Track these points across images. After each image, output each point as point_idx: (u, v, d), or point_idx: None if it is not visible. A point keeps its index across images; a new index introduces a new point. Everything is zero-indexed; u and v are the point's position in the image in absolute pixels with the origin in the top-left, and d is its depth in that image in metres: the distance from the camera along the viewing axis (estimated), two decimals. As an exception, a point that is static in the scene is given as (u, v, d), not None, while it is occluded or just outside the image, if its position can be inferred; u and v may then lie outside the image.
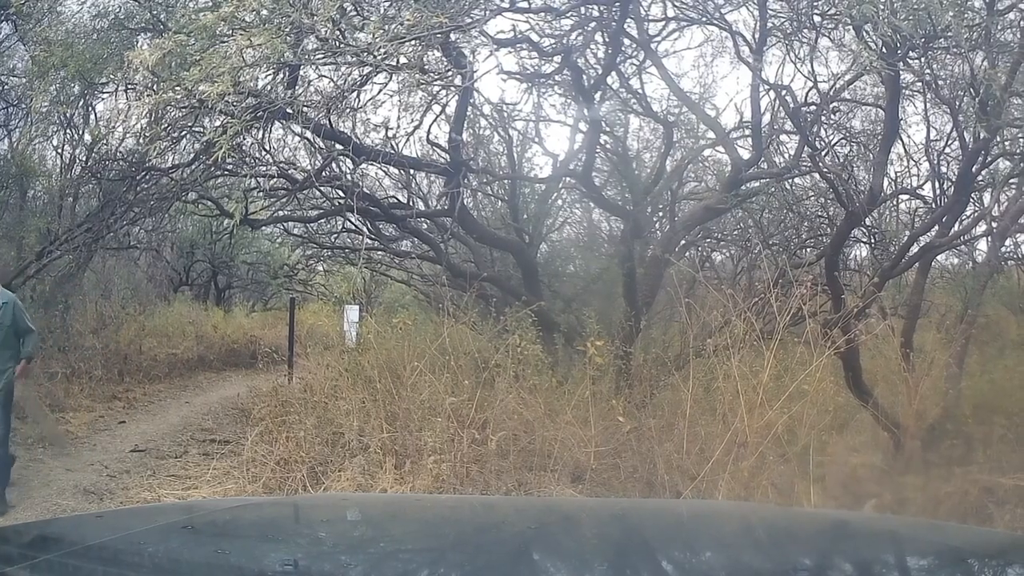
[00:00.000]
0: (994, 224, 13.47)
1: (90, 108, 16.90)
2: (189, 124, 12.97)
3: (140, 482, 11.21)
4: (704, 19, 13.45)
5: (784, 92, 13.05)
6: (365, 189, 15.54)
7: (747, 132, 14.88)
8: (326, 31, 10.06)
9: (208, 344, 24.77)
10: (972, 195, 13.82)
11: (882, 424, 11.46)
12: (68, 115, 16.59)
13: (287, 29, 9.29)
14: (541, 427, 10.61)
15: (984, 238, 14.82)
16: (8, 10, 14.98)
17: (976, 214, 14.34)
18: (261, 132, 12.57)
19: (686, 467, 9.33)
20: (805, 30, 12.45)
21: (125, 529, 3.02)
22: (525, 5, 12.20)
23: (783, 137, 15.47)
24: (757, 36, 12.47)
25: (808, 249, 16.64)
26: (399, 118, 16.23)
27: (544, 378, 11.61)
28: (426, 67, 11.45)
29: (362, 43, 10.14)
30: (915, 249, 13.84)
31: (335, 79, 12.08)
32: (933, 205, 14.66)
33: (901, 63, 10.46)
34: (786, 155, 15.28)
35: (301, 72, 11.79)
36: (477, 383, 11.06)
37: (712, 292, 12.32)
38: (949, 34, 9.93)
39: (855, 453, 10.72)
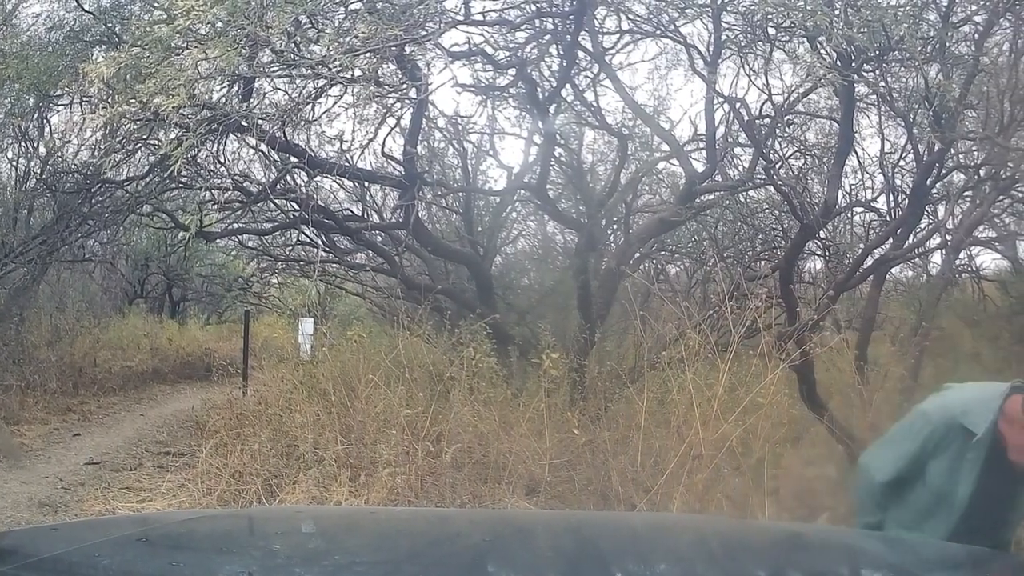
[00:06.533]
0: (948, 237, 13.59)
1: (45, 120, 16.90)
2: (144, 137, 12.94)
3: (95, 494, 11.12)
4: (658, 32, 13.48)
5: (738, 105, 13.11)
6: (320, 202, 15.55)
7: (701, 145, 14.95)
8: (281, 44, 10.06)
9: (163, 357, 24.65)
10: (926, 208, 13.91)
11: (836, 437, 11.47)
12: (23, 127, 16.54)
13: (242, 42, 9.26)
14: (496, 440, 10.59)
15: (938, 251, 14.92)
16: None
17: (930, 227, 14.48)
18: (216, 145, 12.52)
19: (640, 479, 9.32)
20: (759, 43, 12.52)
21: (80, 541, 3.00)
22: (480, 18, 12.25)
23: (737, 150, 15.56)
24: (711, 49, 12.51)
25: (762, 261, 16.66)
26: (354, 131, 16.30)
27: (499, 391, 11.59)
28: (381, 80, 11.46)
29: (317, 56, 10.15)
30: (869, 262, 13.92)
31: (290, 92, 12.06)
32: (887, 218, 14.83)
33: (855, 75, 10.53)
34: (740, 168, 15.37)
35: (256, 85, 11.79)
36: (432, 396, 11.06)
37: (667, 304, 12.37)
38: (903, 46, 10.03)
39: (809, 466, 10.72)
